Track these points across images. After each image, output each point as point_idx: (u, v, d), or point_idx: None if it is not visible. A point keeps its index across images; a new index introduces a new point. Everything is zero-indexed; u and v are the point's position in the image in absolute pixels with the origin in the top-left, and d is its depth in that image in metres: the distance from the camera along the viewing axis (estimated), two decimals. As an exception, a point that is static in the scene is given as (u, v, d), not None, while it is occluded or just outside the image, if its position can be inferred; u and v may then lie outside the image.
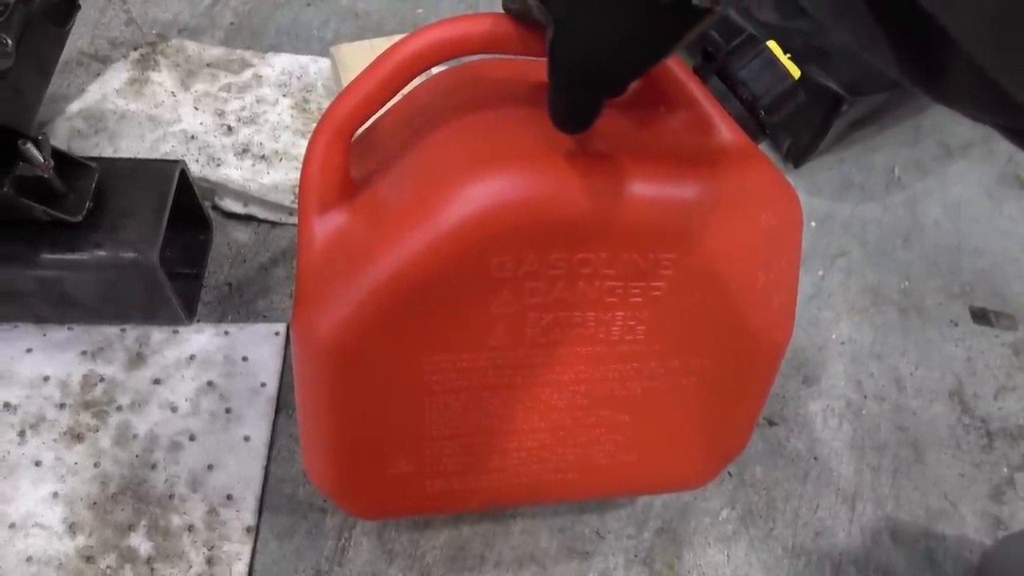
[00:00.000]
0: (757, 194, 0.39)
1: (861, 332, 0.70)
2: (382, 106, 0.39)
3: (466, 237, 0.36)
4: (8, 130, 0.52)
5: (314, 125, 0.73)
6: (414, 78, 0.38)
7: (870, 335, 0.70)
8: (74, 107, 0.72)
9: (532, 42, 0.37)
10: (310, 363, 0.41)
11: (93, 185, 0.55)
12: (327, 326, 0.39)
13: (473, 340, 0.41)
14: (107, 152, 0.69)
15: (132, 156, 0.68)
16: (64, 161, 0.54)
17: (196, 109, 0.73)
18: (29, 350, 0.60)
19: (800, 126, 0.74)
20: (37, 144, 0.51)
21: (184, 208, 0.61)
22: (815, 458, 0.62)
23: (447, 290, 0.38)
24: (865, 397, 0.66)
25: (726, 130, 0.40)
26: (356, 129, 0.40)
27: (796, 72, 0.43)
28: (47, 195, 0.53)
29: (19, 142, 0.50)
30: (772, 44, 0.44)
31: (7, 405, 0.58)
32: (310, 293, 0.40)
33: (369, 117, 0.39)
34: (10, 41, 0.37)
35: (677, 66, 0.40)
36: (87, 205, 0.55)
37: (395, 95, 0.39)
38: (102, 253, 0.55)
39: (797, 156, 0.76)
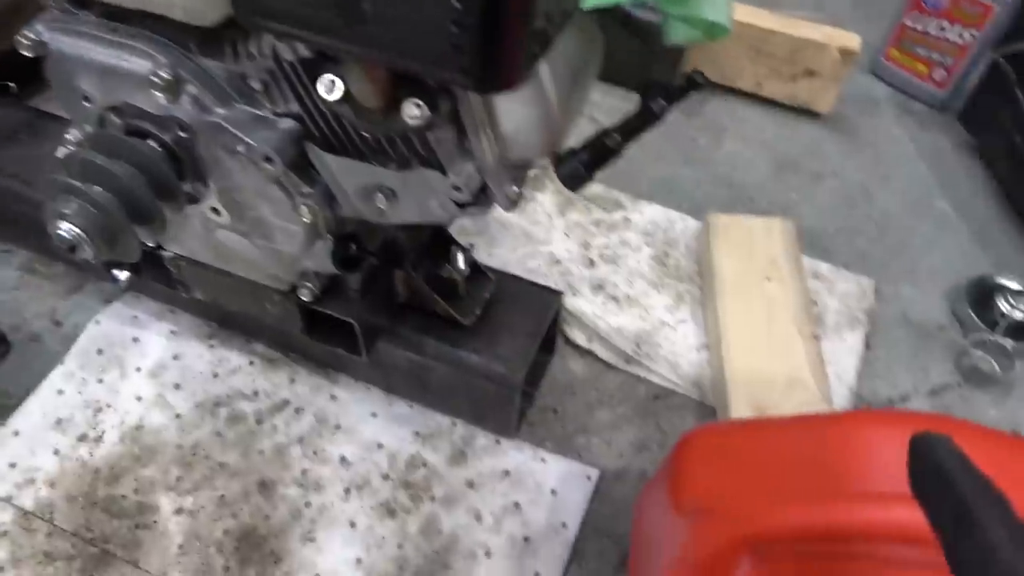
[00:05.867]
0: None
1: None
2: (812, 542, 0.35)
3: None
4: (442, 231, 0.58)
5: (668, 281, 0.75)
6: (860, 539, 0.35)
7: None
8: (466, 206, 0.80)
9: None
10: None
11: (487, 295, 0.60)
12: None
13: None
14: (482, 255, 0.75)
15: (503, 264, 0.74)
16: (472, 268, 0.60)
17: (566, 236, 0.78)
18: (374, 415, 0.66)
19: None
20: (464, 252, 0.57)
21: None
22: None
23: None
24: None
25: None
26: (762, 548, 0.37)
27: None
28: (451, 294, 0.58)
29: (452, 247, 0.56)
30: None
31: (343, 459, 0.63)
32: None
33: (787, 543, 0.36)
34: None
35: None
36: (477, 312, 0.59)
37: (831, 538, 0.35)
38: (476, 359, 0.59)
39: None
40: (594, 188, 0.82)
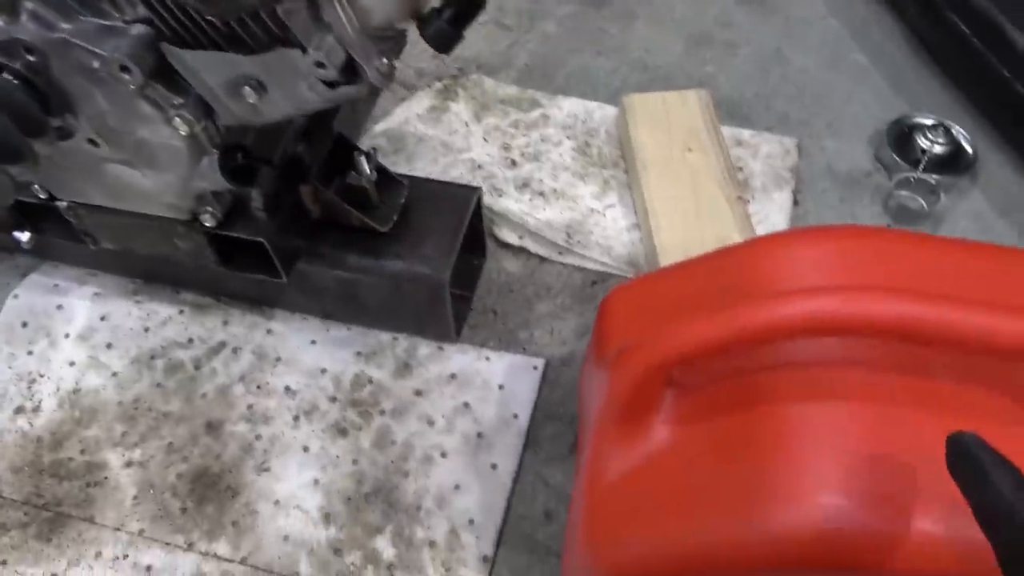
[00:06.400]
0: None
1: None
2: (719, 356, 0.35)
3: (793, 557, 0.33)
4: (345, 141, 0.56)
5: (592, 170, 0.74)
6: (772, 343, 0.34)
7: None
8: (380, 127, 0.78)
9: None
10: (590, 570, 0.40)
11: (402, 201, 0.59)
12: (616, 561, 0.38)
13: None
14: (403, 170, 0.73)
15: (426, 176, 0.72)
16: (381, 175, 0.58)
17: (485, 141, 0.77)
18: (313, 342, 0.65)
19: None
20: (367, 157, 0.55)
21: (468, 232, 0.64)
22: None
23: None
24: None
25: None
26: (678, 366, 0.36)
27: None
28: (364, 204, 0.57)
29: (354, 153, 0.55)
30: None
31: (288, 389, 0.62)
32: (600, 515, 0.39)
33: (700, 360, 0.35)
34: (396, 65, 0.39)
35: None
36: (394, 218, 0.58)
37: (741, 350, 0.34)
38: (400, 264, 0.58)
39: None
40: (509, 90, 0.81)
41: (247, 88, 0.40)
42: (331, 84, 0.40)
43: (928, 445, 0.33)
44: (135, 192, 0.50)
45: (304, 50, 0.38)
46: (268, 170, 0.49)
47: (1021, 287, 0.35)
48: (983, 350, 0.30)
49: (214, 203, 0.50)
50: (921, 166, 0.71)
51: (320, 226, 0.59)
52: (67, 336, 0.66)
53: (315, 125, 0.55)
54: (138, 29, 0.40)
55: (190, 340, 0.65)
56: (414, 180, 0.61)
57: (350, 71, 0.40)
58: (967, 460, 0.26)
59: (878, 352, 0.35)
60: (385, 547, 0.55)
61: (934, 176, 0.71)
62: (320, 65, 0.38)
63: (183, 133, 0.43)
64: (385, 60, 0.40)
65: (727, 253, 0.42)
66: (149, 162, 0.47)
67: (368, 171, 0.55)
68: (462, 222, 0.59)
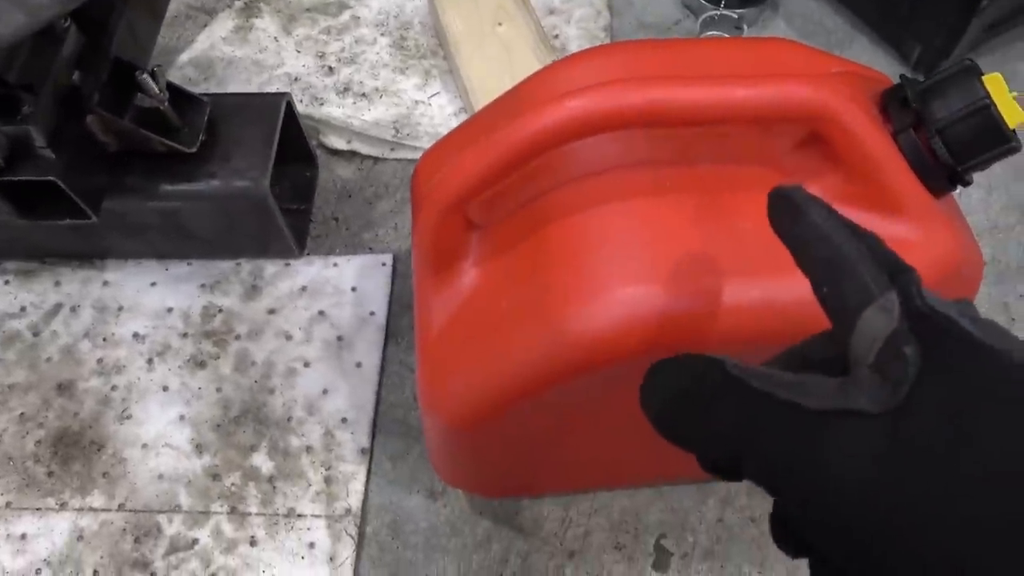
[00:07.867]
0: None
1: (1006, 252, 0.63)
2: (503, 181, 0.36)
3: (602, 353, 0.35)
4: (126, 64, 0.53)
5: (412, 62, 0.73)
6: (547, 152, 0.34)
7: (1017, 254, 0.63)
8: (184, 57, 0.74)
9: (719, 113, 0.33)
10: (432, 422, 0.42)
11: (206, 118, 0.57)
12: (450, 405, 0.39)
13: (595, 417, 0.41)
14: (217, 97, 0.71)
15: (240, 99, 0.70)
16: (179, 95, 0.56)
17: (298, 52, 0.74)
18: (153, 284, 0.63)
19: (931, 29, 0.67)
20: (153, 76, 0.53)
21: (291, 145, 0.62)
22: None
23: (574, 389, 0.37)
24: (1013, 320, 0.60)
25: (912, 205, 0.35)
26: (472, 201, 0.37)
27: (1018, 118, 0.33)
28: (164, 127, 0.55)
29: (136, 73, 0.52)
30: (994, 80, 0.33)
31: (136, 335, 0.61)
32: (431, 367, 0.40)
33: (487, 191, 0.36)
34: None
35: (862, 128, 0.34)
36: (200, 137, 0.56)
37: (521, 169, 0.35)
38: (216, 182, 0.56)
39: (928, 65, 0.70)
40: (314, -3, 0.78)
41: (-38, 1, 0.37)
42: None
43: (702, 222, 0.36)
44: None
45: (12, -54, 0.35)
46: (34, 99, 0.46)
47: (766, 64, 0.38)
48: (720, 119, 0.32)
49: (-12, 148, 0.47)
50: (722, 3, 0.73)
51: (124, 158, 0.56)
52: None
53: (89, 51, 0.52)
54: None
55: (22, 308, 0.62)
56: (218, 97, 0.59)
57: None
58: (783, 203, 0.25)
59: (646, 150, 0.37)
60: (263, 462, 0.55)
61: (736, 11, 0.73)
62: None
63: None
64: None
65: (509, 92, 0.43)
66: None
67: (157, 90, 0.52)
68: (273, 130, 0.58)
